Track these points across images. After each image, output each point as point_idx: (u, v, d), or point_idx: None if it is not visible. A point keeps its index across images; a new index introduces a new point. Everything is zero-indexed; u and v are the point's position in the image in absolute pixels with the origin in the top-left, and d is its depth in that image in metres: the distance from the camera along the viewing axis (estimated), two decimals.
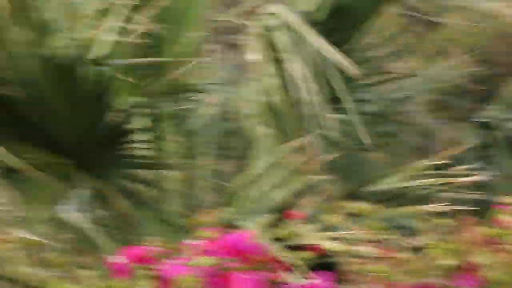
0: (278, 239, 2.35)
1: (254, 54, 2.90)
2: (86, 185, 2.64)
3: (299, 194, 2.59)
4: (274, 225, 2.41)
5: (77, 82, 2.50)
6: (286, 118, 2.91)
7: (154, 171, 2.82)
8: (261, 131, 2.92)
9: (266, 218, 2.47)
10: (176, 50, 2.71)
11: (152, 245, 2.44)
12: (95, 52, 2.49)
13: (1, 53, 2.47)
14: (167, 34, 2.65)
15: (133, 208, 2.77)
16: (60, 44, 2.46)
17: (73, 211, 2.61)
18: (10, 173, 2.56)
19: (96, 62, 2.48)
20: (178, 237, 2.70)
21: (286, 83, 2.88)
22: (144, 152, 2.80)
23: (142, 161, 2.77)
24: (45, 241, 2.63)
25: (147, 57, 2.57)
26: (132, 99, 2.66)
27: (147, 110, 2.73)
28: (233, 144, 3.02)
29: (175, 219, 2.84)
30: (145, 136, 2.78)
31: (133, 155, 2.76)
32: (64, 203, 2.61)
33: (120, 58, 2.52)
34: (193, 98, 2.93)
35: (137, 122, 2.72)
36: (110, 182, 2.68)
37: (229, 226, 2.43)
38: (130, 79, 2.52)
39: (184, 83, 2.78)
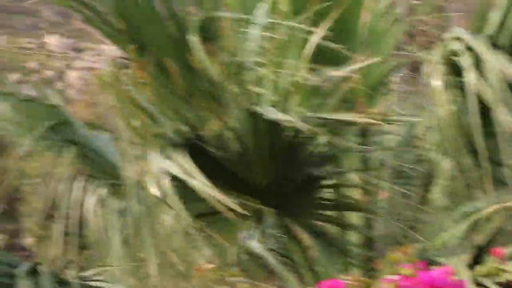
0: (478, 277, 2.29)
1: (436, 81, 2.85)
2: (277, 223, 2.71)
3: (497, 229, 2.51)
4: (473, 262, 2.35)
5: (278, 135, 2.56)
6: (471, 148, 2.83)
7: (338, 209, 2.86)
8: (446, 162, 2.85)
9: (464, 254, 2.40)
10: (367, 83, 2.71)
11: (344, 279, 2.44)
12: (294, 104, 2.54)
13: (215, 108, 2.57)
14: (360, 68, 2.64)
15: (318, 244, 2.79)
16: (264, 99, 2.52)
17: (264, 246, 2.70)
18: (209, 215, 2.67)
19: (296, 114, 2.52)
20: (363, 273, 2.70)
21: (471, 111, 2.81)
22: (330, 195, 2.84)
23: (328, 202, 2.81)
24: (237, 270, 2.70)
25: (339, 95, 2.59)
26: (326, 146, 2.71)
27: (337, 153, 2.76)
28: (416, 175, 2.98)
29: (358, 254, 2.84)
30: (331, 180, 2.82)
31: (321, 197, 2.80)
32: (256, 238, 2.71)
33: (316, 106, 2.59)
34: (377, 130, 2.92)
35: (326, 167, 2.76)
36: (298, 221, 2.73)
37: (423, 261, 2.39)
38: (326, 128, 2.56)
39: (372, 116, 2.77)
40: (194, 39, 2.49)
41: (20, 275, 2.70)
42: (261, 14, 2.47)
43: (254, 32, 2.50)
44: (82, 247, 2.87)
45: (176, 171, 2.43)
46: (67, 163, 2.82)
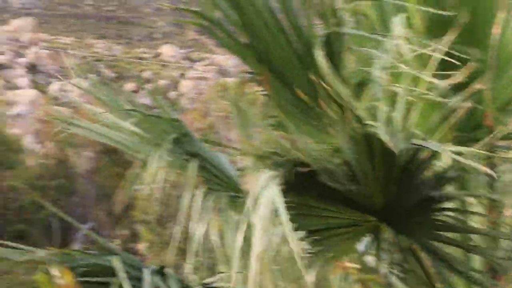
0: None
1: None
2: (393, 240, 2.64)
3: None
4: None
5: (394, 156, 2.49)
6: None
7: (457, 231, 2.76)
8: None
9: None
10: (497, 100, 2.61)
11: None
12: (410, 130, 2.46)
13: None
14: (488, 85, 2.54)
15: (438, 265, 2.70)
16: (379, 124, 2.45)
17: (380, 263, 2.64)
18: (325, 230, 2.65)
19: (411, 140, 2.44)
20: None
21: None
22: (449, 216, 2.75)
23: (446, 224, 2.71)
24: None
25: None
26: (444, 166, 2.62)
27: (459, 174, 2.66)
28: None
29: (482, 278, 2.73)
30: (452, 201, 2.73)
31: (439, 218, 2.71)
32: (372, 253, 2.66)
33: (438, 123, 2.51)
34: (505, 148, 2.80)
35: (447, 187, 2.67)
36: (416, 241, 2.65)
37: None
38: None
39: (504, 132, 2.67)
40: (319, 54, 2.44)
41: (148, 275, 2.72)
42: (397, 29, 2.37)
43: (389, 46, 2.41)
44: (200, 255, 2.89)
45: (272, 193, 2.36)
46: (190, 175, 2.83)
